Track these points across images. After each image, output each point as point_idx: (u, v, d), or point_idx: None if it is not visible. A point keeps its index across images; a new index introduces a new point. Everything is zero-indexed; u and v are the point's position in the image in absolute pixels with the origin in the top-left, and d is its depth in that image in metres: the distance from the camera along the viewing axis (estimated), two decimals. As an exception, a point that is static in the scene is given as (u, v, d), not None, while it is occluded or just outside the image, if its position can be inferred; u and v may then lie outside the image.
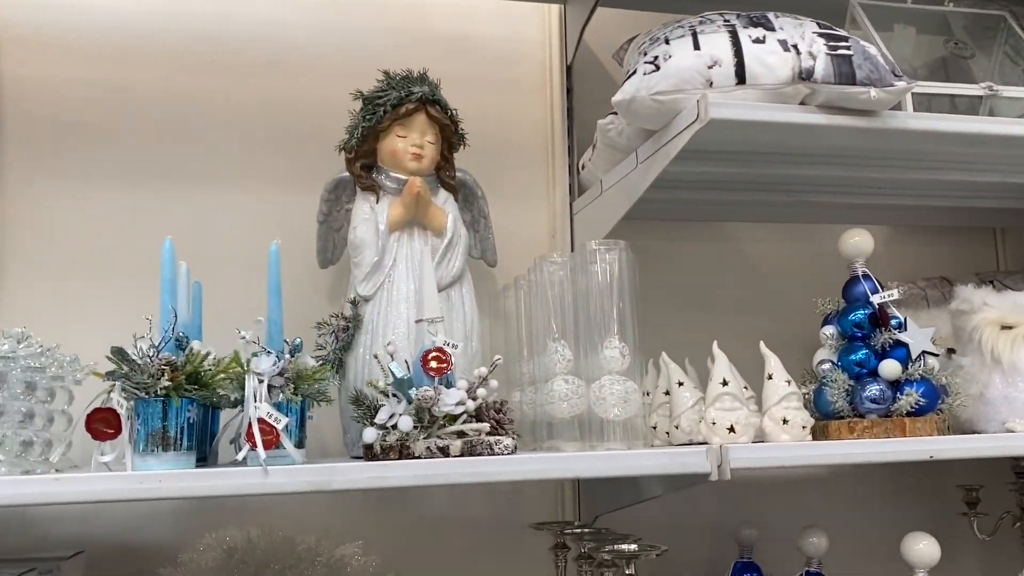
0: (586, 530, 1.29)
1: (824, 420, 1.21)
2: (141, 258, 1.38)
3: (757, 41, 1.16)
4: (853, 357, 1.20)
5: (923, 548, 1.17)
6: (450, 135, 1.33)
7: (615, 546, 1.09)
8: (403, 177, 1.29)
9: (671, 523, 1.49)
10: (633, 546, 1.08)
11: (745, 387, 1.22)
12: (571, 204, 1.57)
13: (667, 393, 1.27)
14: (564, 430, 1.15)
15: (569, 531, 1.31)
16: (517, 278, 1.32)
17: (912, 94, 1.29)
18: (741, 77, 1.15)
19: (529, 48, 1.65)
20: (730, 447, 1.04)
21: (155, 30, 1.49)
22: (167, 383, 0.95)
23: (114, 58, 1.46)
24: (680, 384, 1.24)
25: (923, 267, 1.74)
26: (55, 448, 1.04)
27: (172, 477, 0.92)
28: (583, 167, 1.55)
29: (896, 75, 1.16)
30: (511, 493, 1.54)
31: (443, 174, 1.35)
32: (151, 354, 0.96)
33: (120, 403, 0.96)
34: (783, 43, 1.16)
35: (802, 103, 1.17)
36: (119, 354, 0.95)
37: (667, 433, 1.25)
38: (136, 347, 0.97)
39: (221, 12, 1.52)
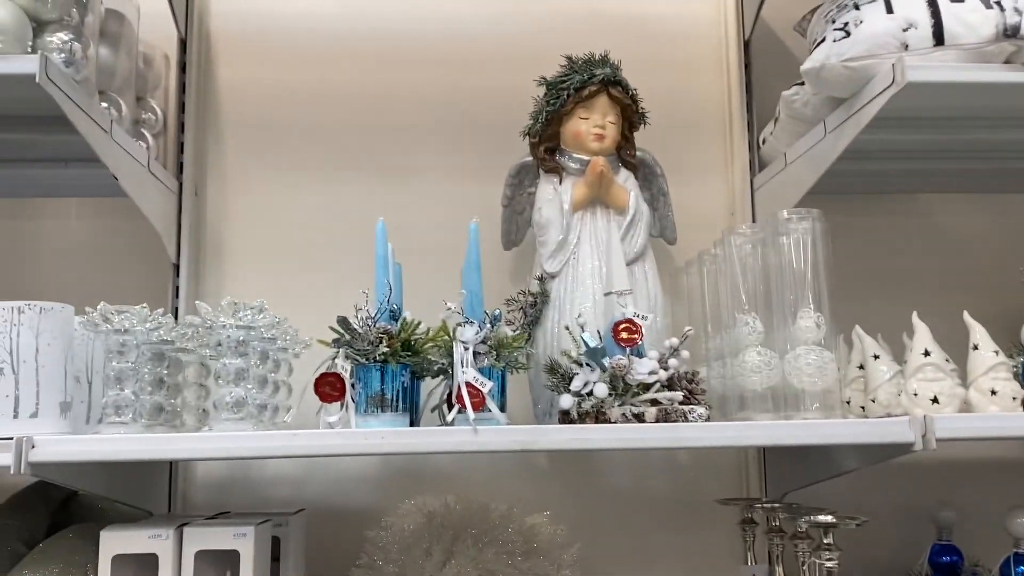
0: (775, 505, 1.29)
1: (1036, 394, 1.15)
2: (346, 243, 1.50)
3: (956, 0, 1.12)
4: (1069, 327, 1.13)
5: None
6: (631, 115, 1.36)
7: (812, 517, 1.08)
8: (586, 158, 1.33)
9: (863, 503, 1.44)
10: (830, 517, 1.08)
11: (947, 359, 1.18)
12: (751, 180, 1.56)
13: (861, 367, 1.25)
14: (757, 402, 1.15)
15: (759, 505, 1.31)
16: (701, 253, 1.33)
17: None
18: (939, 38, 1.11)
19: (704, 26, 1.65)
20: (936, 417, 1.01)
21: (352, 33, 1.61)
22: (385, 349, 1.04)
23: (317, 60, 1.59)
24: (876, 357, 1.21)
25: None
26: (282, 412, 1.16)
27: (392, 434, 1.00)
28: (763, 142, 1.53)
29: (1117, 25, 1.08)
30: (695, 469, 1.55)
31: (624, 153, 1.38)
32: (370, 324, 1.05)
33: (344, 368, 1.06)
34: (985, 0, 1.11)
35: (1007, 62, 1.12)
36: (343, 323, 1.05)
37: (862, 407, 1.23)
38: (357, 317, 1.06)
39: (410, 11, 1.62)
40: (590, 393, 1.08)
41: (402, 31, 1.61)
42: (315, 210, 1.55)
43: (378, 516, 1.36)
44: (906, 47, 1.12)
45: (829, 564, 1.07)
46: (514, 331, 1.27)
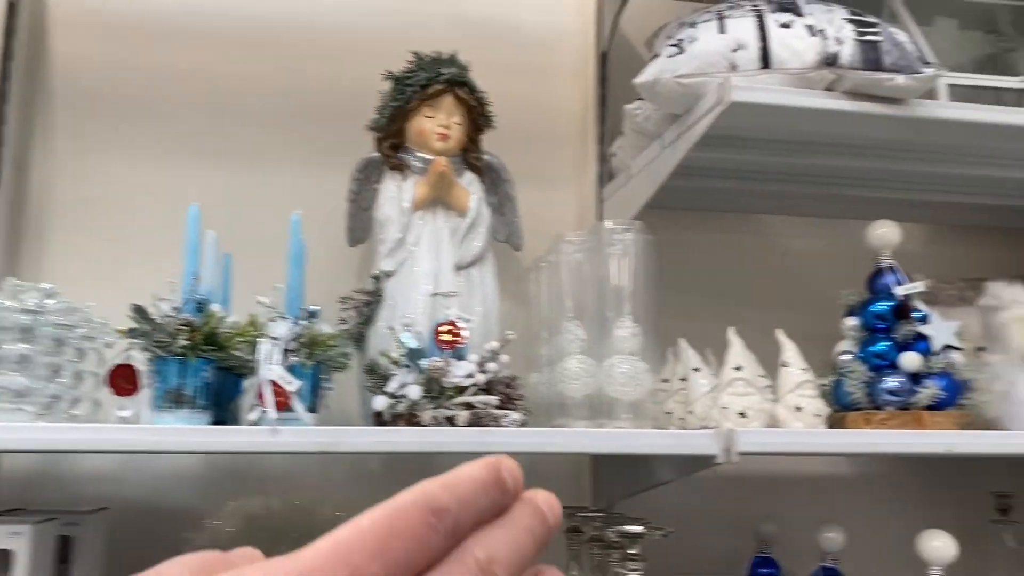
0: (598, 514, 1.29)
1: (842, 411, 1.19)
2: (179, 230, 1.43)
3: (784, 26, 1.15)
4: (874, 348, 1.18)
5: (939, 546, 1.14)
6: (477, 117, 1.35)
7: (621, 527, 1.09)
8: (429, 157, 1.31)
9: (690, 515, 1.47)
10: (639, 527, 1.08)
11: (763, 375, 1.21)
12: (600, 191, 1.58)
13: (684, 380, 1.27)
14: (575, 409, 1.15)
15: (582, 514, 1.31)
16: (537, 260, 1.33)
17: (950, 86, 1.27)
18: (766, 61, 1.14)
19: (566, 35, 1.66)
20: (738, 431, 1.03)
21: (198, 11, 1.54)
22: (185, 342, 0.99)
23: (162, 37, 1.51)
24: (696, 370, 1.23)
25: (967, 268, 1.68)
26: (80, 404, 1.09)
27: (184, 432, 0.95)
28: (613, 155, 1.55)
29: (924, 62, 1.14)
30: (533, 475, 1.54)
31: (470, 156, 1.36)
32: (171, 314, 1.00)
33: (140, 360, 1.00)
34: (810, 28, 1.15)
35: (828, 89, 1.16)
36: (139, 312, 0.99)
37: (681, 419, 1.25)
38: (156, 307, 1.00)
39: (262, -5, 1.57)
40: (405, 395, 1.06)
41: (253, 14, 1.55)
42: (151, 193, 1.47)
43: (201, 517, 1.30)
44: (735, 67, 1.14)
45: (633, 575, 1.07)
46: (345, 332, 1.24)
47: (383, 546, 0.29)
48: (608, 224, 1.14)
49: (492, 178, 1.41)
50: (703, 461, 1.06)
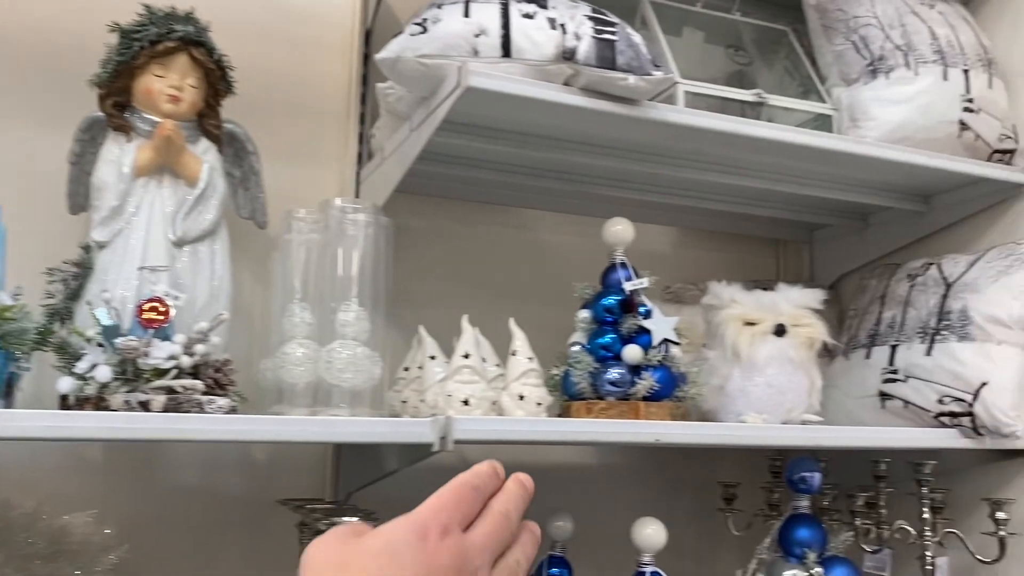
0: (326, 506, 1.24)
1: (570, 401, 1.21)
2: None
3: (527, 16, 1.15)
4: (600, 340, 1.21)
5: (650, 533, 1.19)
6: (216, 81, 1.26)
7: (333, 519, 1.05)
8: (157, 119, 1.20)
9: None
10: (354, 518, 1.05)
11: (497, 364, 1.21)
12: (359, 172, 1.53)
13: (422, 368, 1.25)
14: (297, 397, 1.10)
15: (310, 507, 1.26)
16: (275, 238, 1.26)
17: (693, 95, 1.33)
18: (506, 50, 1.13)
19: (332, 9, 1.59)
20: (456, 418, 1.02)
21: None
22: None
23: None
24: (432, 358, 1.21)
25: (711, 272, 1.77)
26: None
27: None
28: (373, 135, 1.50)
29: (655, 66, 1.17)
30: (272, 466, 1.47)
31: (207, 122, 1.27)
32: None
33: None
34: (552, 21, 1.15)
35: (567, 84, 1.17)
36: None
37: (415, 407, 1.22)
38: None
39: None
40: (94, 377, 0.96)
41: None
42: None
43: None
44: (477, 53, 1.13)
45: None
46: (51, 307, 1.12)
47: (457, 504, 0.55)
48: (338, 203, 1.10)
49: (235, 149, 1.32)
50: (422, 449, 1.04)
